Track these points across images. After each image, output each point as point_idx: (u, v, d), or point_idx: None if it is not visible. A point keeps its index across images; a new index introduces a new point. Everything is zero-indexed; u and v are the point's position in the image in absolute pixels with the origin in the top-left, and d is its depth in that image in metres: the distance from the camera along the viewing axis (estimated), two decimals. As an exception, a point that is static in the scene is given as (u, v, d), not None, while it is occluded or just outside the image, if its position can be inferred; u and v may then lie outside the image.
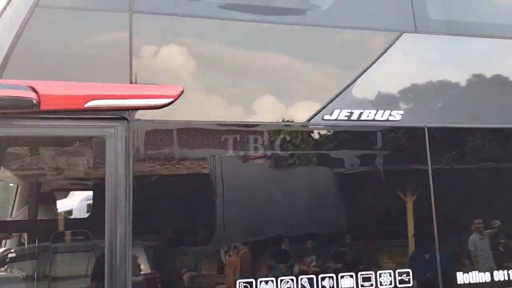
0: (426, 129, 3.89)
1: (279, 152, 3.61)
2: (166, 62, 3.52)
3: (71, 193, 3.84)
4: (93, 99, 3.27)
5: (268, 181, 3.61)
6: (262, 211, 3.55)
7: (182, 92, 3.43)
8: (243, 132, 3.55)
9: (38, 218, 3.27)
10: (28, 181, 4.42)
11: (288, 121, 3.67)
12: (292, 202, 3.61)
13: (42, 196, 3.62)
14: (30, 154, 3.53)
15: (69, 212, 4.00)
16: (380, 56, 3.92)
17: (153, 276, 3.31)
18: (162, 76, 3.49)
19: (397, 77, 3.96)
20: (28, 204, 4.12)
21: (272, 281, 3.40)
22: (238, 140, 3.53)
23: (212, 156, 3.49)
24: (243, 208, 3.51)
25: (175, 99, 3.41)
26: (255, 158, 3.60)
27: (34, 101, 3.14)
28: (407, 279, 3.67)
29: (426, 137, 3.87)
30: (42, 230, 3.30)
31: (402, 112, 3.86)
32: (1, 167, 3.48)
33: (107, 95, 3.30)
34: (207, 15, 3.67)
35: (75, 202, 4.82)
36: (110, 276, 3.15)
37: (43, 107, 3.17)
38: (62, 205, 3.63)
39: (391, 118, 3.83)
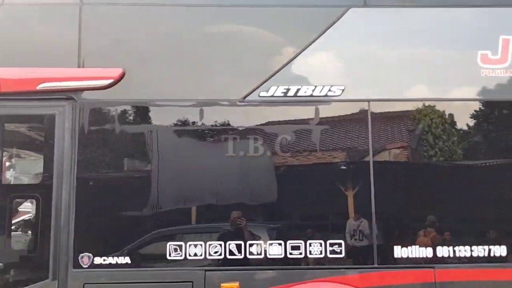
0: (368, 104, 3.91)
1: (212, 127, 3.89)
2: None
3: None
4: (44, 82, 3.79)
5: (203, 155, 3.89)
6: (196, 182, 3.85)
7: (123, 73, 3.83)
8: (179, 108, 3.86)
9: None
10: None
11: (222, 98, 3.91)
12: (228, 174, 3.86)
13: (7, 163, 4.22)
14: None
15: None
16: (324, 33, 3.98)
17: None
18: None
19: (341, 53, 4.00)
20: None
21: (196, 244, 3.71)
22: (175, 116, 3.86)
23: (149, 131, 3.86)
24: (176, 179, 3.84)
25: (116, 81, 3.81)
26: (189, 132, 3.91)
27: (-6, 83, 3.72)
28: (338, 250, 3.77)
29: (369, 112, 3.90)
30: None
31: (343, 87, 3.92)
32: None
33: (56, 77, 3.79)
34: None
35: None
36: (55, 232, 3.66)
37: (2, 90, 3.75)
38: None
39: (330, 93, 3.90)
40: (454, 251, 3.79)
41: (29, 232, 3.95)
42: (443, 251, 3.79)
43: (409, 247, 3.77)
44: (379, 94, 3.95)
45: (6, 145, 3.88)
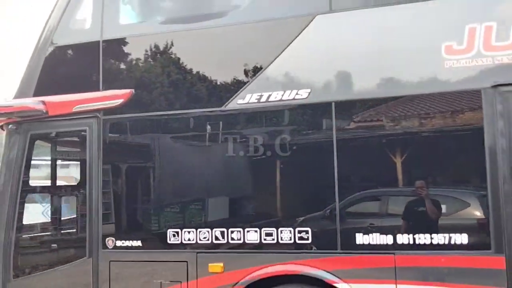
0: (333, 104, 4.25)
1: (205, 134, 4.61)
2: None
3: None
4: (77, 104, 4.87)
5: (197, 158, 4.65)
6: (191, 180, 4.64)
7: (131, 93, 4.73)
8: (178, 120, 4.67)
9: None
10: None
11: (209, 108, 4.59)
12: (214, 172, 4.57)
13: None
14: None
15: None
16: (294, 40, 4.39)
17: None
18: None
19: (307, 58, 4.37)
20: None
21: (190, 231, 4.49)
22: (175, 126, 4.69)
23: (156, 139, 4.73)
24: (178, 177, 4.67)
25: (125, 100, 4.73)
26: (187, 139, 4.69)
27: (44, 110, 4.91)
28: (306, 237, 4.24)
29: (333, 112, 4.24)
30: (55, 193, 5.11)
31: (309, 90, 4.30)
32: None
33: (85, 100, 4.84)
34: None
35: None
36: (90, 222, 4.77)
37: (50, 113, 4.92)
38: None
39: (297, 96, 4.32)
40: (414, 239, 4.01)
41: (73, 223, 5.15)
42: (403, 238, 4.03)
43: (370, 234, 4.10)
44: (343, 94, 4.28)
45: (55, 155, 5.10)
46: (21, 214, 5.01)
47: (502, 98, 3.88)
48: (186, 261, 4.49)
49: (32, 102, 4.95)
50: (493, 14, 4.00)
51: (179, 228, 4.55)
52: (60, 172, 5.36)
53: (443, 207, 4.05)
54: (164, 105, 4.74)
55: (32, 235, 5.15)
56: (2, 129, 5.22)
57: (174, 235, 4.56)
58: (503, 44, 3.92)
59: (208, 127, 4.63)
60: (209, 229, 4.48)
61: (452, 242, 3.91)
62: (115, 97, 4.78)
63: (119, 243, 4.70)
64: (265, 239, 4.34)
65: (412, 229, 4.01)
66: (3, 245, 4.95)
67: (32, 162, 5.04)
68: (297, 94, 4.34)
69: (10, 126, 5.09)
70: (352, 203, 4.25)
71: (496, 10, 4.02)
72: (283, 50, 4.41)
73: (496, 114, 3.87)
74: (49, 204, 5.23)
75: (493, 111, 3.88)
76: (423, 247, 3.96)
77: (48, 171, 5.27)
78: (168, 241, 4.56)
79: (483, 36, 3.96)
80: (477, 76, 3.97)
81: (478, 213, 4.03)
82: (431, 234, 3.96)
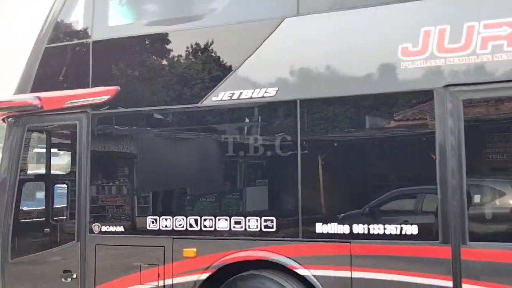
0: (298, 102, 4.53)
1: (182, 128, 4.97)
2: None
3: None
4: (69, 100, 5.27)
5: (174, 151, 5.00)
6: (168, 171, 4.99)
7: (117, 90, 5.10)
8: (159, 115, 5.03)
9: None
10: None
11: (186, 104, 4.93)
12: (189, 164, 4.93)
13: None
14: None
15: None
16: (263, 43, 4.68)
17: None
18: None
19: (276, 59, 4.66)
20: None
21: (167, 218, 4.85)
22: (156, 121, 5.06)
23: (138, 133, 5.11)
24: (157, 168, 5.03)
25: (111, 96, 5.11)
26: (166, 133, 5.05)
27: (39, 105, 5.32)
28: (271, 225, 4.54)
29: (298, 109, 4.52)
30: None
31: (277, 88, 4.60)
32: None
33: (74, 95, 5.24)
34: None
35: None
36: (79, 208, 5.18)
37: (45, 108, 5.34)
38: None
39: (266, 94, 4.62)
40: (368, 229, 4.27)
41: (64, 209, 5.58)
42: (358, 228, 4.30)
43: (328, 224, 4.39)
44: (307, 93, 4.56)
45: (49, 146, 5.53)
46: (18, 200, 5.47)
47: (452, 98, 4.11)
48: (163, 246, 4.85)
49: (29, 98, 5.38)
50: (446, 17, 4.22)
51: (157, 216, 4.92)
52: (54, 161, 5.79)
53: (397, 201, 4.33)
54: (146, 102, 5.10)
55: (28, 220, 5.60)
56: (4, 121, 5.68)
57: (152, 222, 4.93)
58: (455, 46, 4.14)
59: (185, 122, 4.99)
60: (184, 217, 4.83)
61: (403, 233, 4.18)
62: (102, 93, 5.15)
63: (104, 228, 5.10)
64: (234, 227, 4.68)
65: (366, 220, 4.30)
66: (2, 229, 5.42)
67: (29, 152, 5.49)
68: (266, 92, 4.65)
69: (9, 119, 5.54)
70: (313, 194, 4.55)
71: (449, 13, 4.24)
72: (254, 51, 4.71)
73: (447, 113, 4.11)
74: (44, 191, 5.68)
75: (444, 110, 4.12)
76: (377, 237, 4.24)
77: (43, 161, 5.72)
78: (147, 228, 4.94)
79: (436, 38, 4.19)
80: (430, 76, 4.20)
81: (429, 207, 4.27)
82: (384, 225, 4.24)
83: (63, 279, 5.16)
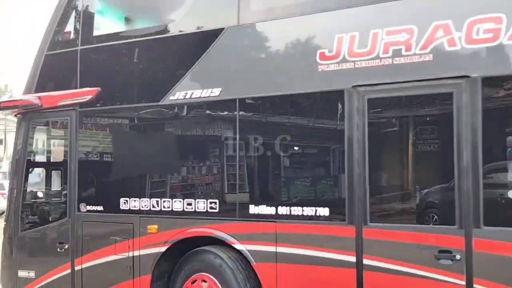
0: (237, 100, 5.24)
1: (146, 123, 5.82)
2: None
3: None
4: (61, 100, 6.25)
5: (141, 142, 5.88)
6: (137, 161, 5.87)
7: (98, 91, 6.02)
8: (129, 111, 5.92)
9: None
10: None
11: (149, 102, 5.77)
12: (153, 154, 5.78)
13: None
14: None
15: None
16: (210, 48, 5.40)
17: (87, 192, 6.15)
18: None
19: (220, 63, 5.38)
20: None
21: (135, 200, 5.73)
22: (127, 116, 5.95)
23: (114, 127, 6.03)
24: (128, 157, 5.96)
25: (93, 96, 6.03)
26: (134, 127, 5.92)
27: (40, 104, 6.36)
28: (214, 207, 5.31)
29: (237, 106, 5.23)
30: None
31: (220, 88, 5.32)
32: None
33: (66, 95, 6.22)
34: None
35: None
36: (70, 190, 6.19)
37: (44, 106, 6.37)
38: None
39: (212, 94, 5.36)
40: (290, 210, 4.94)
41: (59, 191, 6.61)
42: (282, 210, 4.98)
43: (259, 206, 5.09)
44: (245, 93, 5.25)
45: (49, 138, 6.57)
46: (26, 183, 6.57)
47: (358, 97, 4.68)
48: (132, 223, 5.76)
49: (32, 98, 6.43)
50: (356, 25, 4.76)
51: (128, 198, 5.83)
52: (52, 151, 6.86)
53: (312, 187, 4.98)
54: (119, 100, 6.00)
55: (33, 200, 6.70)
56: (15, 116, 6.80)
57: (124, 203, 5.84)
58: (362, 51, 4.68)
59: (148, 117, 5.85)
60: (148, 199, 5.71)
61: (317, 214, 4.82)
62: (86, 93, 6.10)
63: (88, 207, 6.08)
64: (186, 208, 5.49)
65: (289, 203, 4.98)
66: (14, 207, 6.55)
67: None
68: (212, 92, 5.39)
69: (18, 115, 6.64)
70: (248, 180, 5.27)
71: (358, 22, 4.77)
72: (203, 56, 5.46)
73: (354, 110, 4.68)
74: (45, 176, 6.78)
75: (352, 108, 4.69)
76: (296, 217, 4.91)
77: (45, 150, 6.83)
78: (121, 207, 5.86)
79: (348, 44, 4.75)
80: (342, 78, 4.77)
81: (338, 192, 4.89)
82: (302, 208, 4.90)
83: (58, 249, 6.22)
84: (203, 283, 5.33)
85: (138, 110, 5.87)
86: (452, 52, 4.34)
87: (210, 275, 5.29)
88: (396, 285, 4.45)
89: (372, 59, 4.63)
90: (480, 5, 4.34)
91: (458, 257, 4.22)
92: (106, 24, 6.31)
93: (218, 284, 5.21)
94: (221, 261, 5.19)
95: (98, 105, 6.09)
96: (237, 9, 5.34)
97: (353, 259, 4.62)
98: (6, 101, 7.51)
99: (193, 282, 5.38)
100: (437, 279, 4.29)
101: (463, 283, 4.21)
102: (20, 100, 6.55)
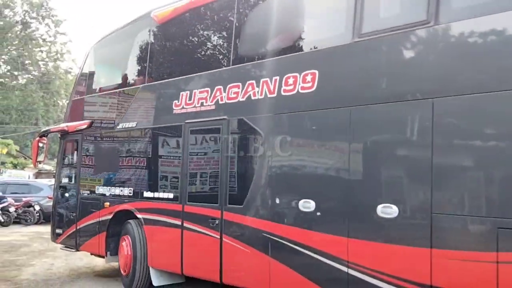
0: (150, 129, 8.85)
1: (109, 141, 9.75)
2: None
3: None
4: (75, 127, 10.51)
5: (106, 154, 9.82)
6: (106, 166, 9.80)
7: (90, 122, 10.12)
8: (102, 133, 9.92)
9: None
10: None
11: (110, 129, 9.66)
12: (112, 161, 9.64)
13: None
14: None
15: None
16: (133, 99, 9.13)
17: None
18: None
19: (139, 109, 9.05)
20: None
21: (102, 188, 9.66)
22: (102, 136, 9.97)
23: (95, 144, 10.08)
24: (102, 164, 9.91)
25: (88, 125, 10.15)
26: (104, 143, 9.89)
27: (67, 129, 10.72)
28: (131, 193, 8.97)
29: (150, 133, 8.85)
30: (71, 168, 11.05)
31: (136, 122, 9.00)
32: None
33: (76, 126, 10.46)
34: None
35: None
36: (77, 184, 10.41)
37: (69, 131, 10.71)
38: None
39: (131, 125, 9.06)
40: (154, 195, 8.38)
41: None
42: (151, 194, 8.44)
43: (147, 192, 8.62)
44: (154, 123, 8.84)
45: (72, 151, 10.91)
46: (60, 180, 11.05)
47: (186, 128, 8.00)
48: (99, 201, 9.71)
49: (64, 126, 10.85)
50: (187, 88, 8.08)
51: (98, 186, 9.80)
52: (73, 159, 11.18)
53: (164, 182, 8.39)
54: (100, 128, 10.02)
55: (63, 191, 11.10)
56: (59, 137, 11.33)
57: (97, 189, 9.81)
58: (189, 102, 8.00)
59: (110, 138, 9.76)
60: (107, 187, 9.60)
61: (167, 197, 8.21)
62: (85, 124, 10.26)
63: (84, 194, 10.20)
64: (120, 193, 9.25)
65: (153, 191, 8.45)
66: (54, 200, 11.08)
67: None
68: (131, 124, 9.10)
69: (59, 136, 11.15)
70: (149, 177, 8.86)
71: (187, 86, 8.09)
72: (131, 104, 9.21)
73: (184, 136, 8.01)
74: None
75: (184, 135, 8.02)
76: (157, 199, 8.36)
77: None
78: (96, 192, 9.84)
79: (185, 98, 8.10)
80: (181, 117, 8.12)
81: (175, 185, 8.20)
82: (153, 193, 8.37)
83: (71, 216, 10.49)
84: (124, 242, 9.09)
85: (106, 133, 9.85)
86: (221, 104, 7.48)
87: (128, 236, 9.00)
88: (195, 238, 7.67)
89: (193, 107, 7.94)
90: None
91: (217, 222, 7.33)
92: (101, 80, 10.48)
93: (129, 239, 8.89)
94: (131, 226, 8.88)
95: (91, 131, 10.22)
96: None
97: (179, 222, 7.95)
98: (51, 128, 12.31)
99: (123, 241, 9.15)
100: (209, 234, 7.45)
101: (219, 236, 7.31)
102: (58, 127, 11.07)
